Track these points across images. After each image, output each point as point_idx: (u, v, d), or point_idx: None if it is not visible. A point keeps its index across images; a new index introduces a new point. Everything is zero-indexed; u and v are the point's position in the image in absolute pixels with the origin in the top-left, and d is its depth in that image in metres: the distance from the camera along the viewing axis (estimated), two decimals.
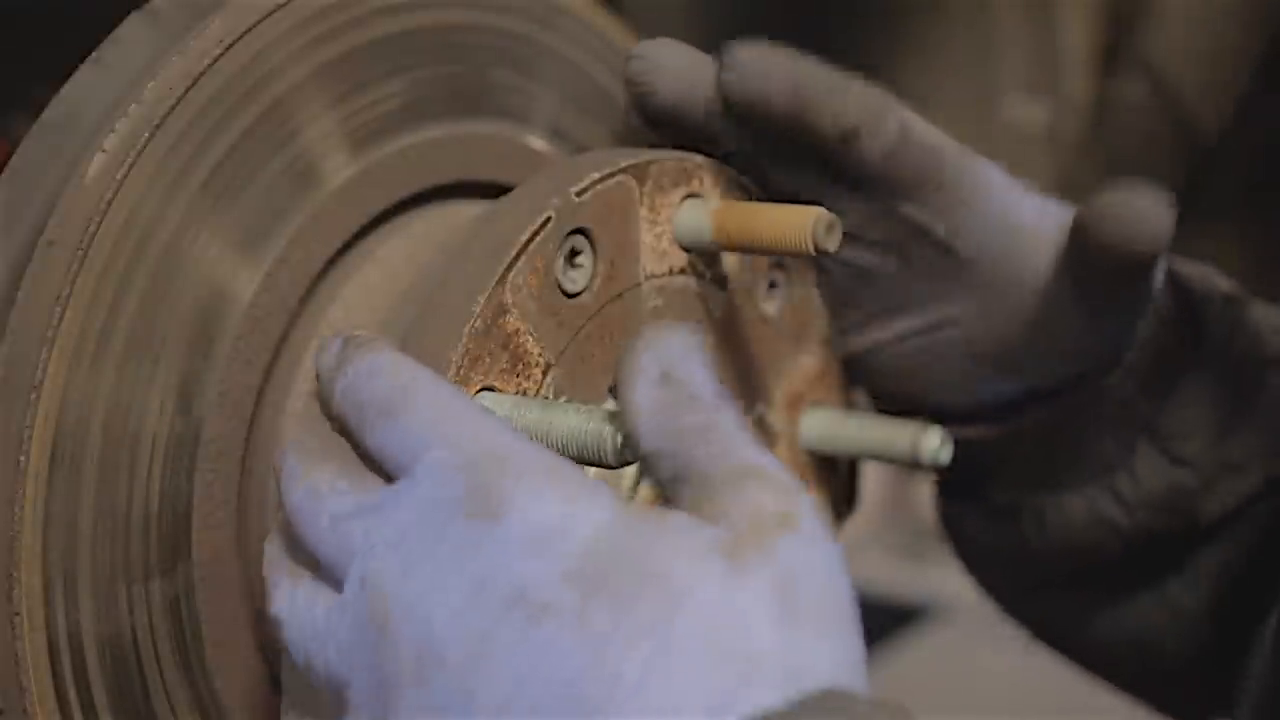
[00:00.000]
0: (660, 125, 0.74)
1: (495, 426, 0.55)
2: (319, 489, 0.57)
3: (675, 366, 0.57)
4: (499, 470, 0.54)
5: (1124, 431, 0.81)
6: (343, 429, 0.59)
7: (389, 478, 0.57)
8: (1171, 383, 0.81)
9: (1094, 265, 0.75)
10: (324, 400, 0.60)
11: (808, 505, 0.54)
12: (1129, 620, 0.87)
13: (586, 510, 0.53)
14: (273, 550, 0.60)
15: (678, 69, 0.72)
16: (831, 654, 0.51)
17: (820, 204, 0.69)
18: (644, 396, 0.57)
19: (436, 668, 0.52)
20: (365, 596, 0.54)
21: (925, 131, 0.75)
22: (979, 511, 0.86)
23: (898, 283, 0.77)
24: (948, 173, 0.75)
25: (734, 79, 0.71)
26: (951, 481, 0.87)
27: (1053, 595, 0.89)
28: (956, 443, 0.81)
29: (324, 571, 0.57)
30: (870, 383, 0.83)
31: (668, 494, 0.57)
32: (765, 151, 0.74)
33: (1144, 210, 0.73)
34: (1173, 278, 0.81)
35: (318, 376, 0.61)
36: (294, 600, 0.57)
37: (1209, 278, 0.83)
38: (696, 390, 0.57)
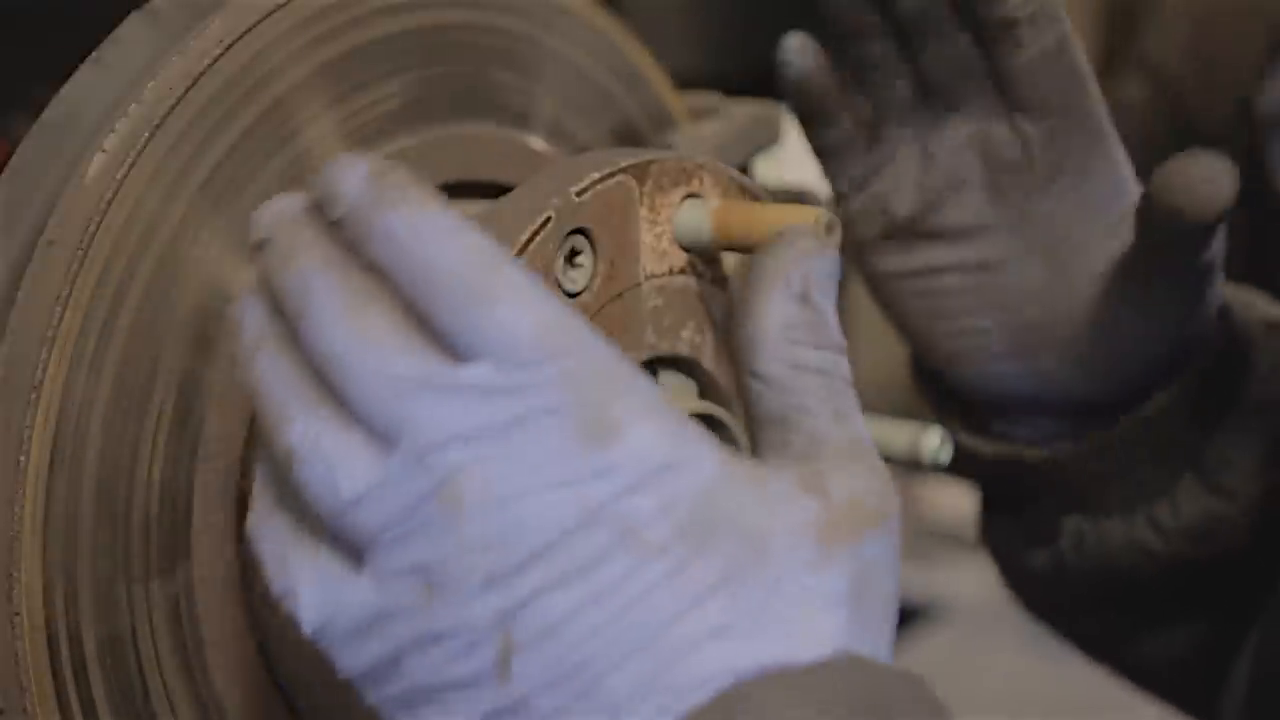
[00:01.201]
0: None
1: (600, 343, 0.51)
2: (372, 340, 0.50)
3: (816, 290, 0.56)
4: (611, 394, 0.50)
5: (1169, 462, 0.80)
6: (385, 275, 0.51)
7: (454, 356, 0.50)
8: (1218, 413, 0.80)
9: (1159, 233, 0.74)
10: (353, 233, 0.52)
11: (895, 499, 0.54)
12: (1176, 641, 0.86)
13: (696, 456, 0.51)
14: (273, 529, 0.53)
15: None
16: (876, 642, 0.52)
17: (948, 85, 0.68)
18: (780, 309, 0.55)
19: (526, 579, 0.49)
20: (434, 478, 0.49)
21: (1080, 59, 0.74)
22: (1020, 529, 0.86)
23: (977, 196, 0.77)
24: (1082, 109, 0.74)
25: None
26: (995, 497, 0.87)
27: (1093, 615, 0.88)
28: (1005, 460, 0.81)
29: (366, 429, 0.50)
30: (899, 316, 0.82)
31: (763, 428, 0.56)
32: (926, 21, 0.74)
33: (1204, 172, 0.72)
34: (1223, 310, 0.80)
35: (324, 191, 0.53)
36: (325, 578, 0.51)
37: (1251, 306, 0.82)
38: (830, 325, 0.56)
